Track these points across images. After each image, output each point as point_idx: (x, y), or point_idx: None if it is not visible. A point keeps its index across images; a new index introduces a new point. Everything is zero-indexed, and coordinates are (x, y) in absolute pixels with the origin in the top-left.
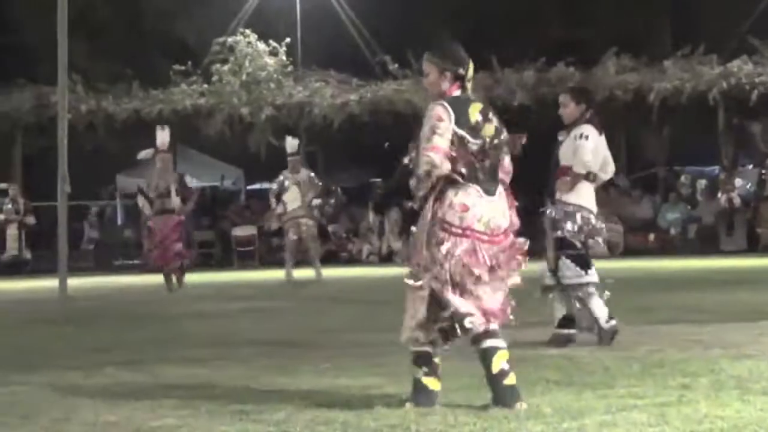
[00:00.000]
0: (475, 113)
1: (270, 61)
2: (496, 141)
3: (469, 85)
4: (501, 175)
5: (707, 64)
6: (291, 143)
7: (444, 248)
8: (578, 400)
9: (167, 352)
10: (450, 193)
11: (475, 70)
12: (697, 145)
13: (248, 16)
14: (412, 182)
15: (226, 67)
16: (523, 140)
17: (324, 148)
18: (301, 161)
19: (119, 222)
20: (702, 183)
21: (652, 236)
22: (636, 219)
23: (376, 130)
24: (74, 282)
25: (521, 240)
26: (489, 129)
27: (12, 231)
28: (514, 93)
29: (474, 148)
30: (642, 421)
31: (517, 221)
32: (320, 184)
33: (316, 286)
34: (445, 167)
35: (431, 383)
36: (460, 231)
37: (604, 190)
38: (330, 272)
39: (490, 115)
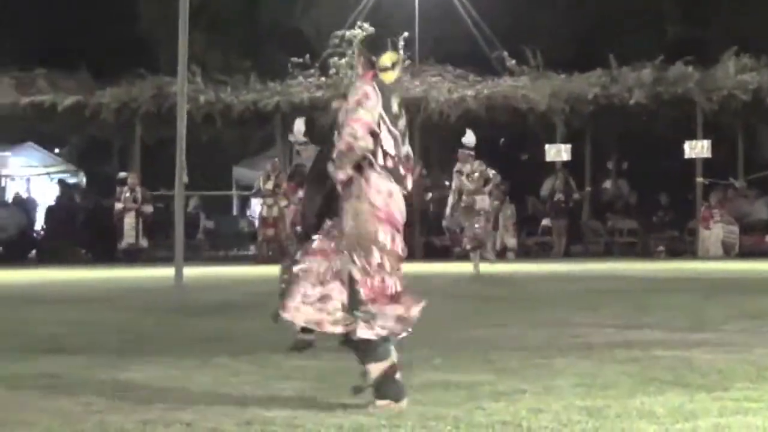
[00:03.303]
0: (395, 104)
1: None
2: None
3: (387, 75)
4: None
5: None
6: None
7: (374, 231)
8: (692, 402)
9: (279, 343)
10: (374, 176)
11: (592, 67)
12: None
13: (367, 10)
14: (330, 166)
15: (343, 61)
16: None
17: (439, 143)
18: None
19: (234, 212)
20: None
21: None
22: (752, 220)
23: (492, 125)
24: (189, 271)
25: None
26: (402, 123)
27: (130, 219)
28: (631, 91)
29: (393, 135)
30: (757, 424)
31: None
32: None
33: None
34: (368, 141)
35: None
36: (384, 216)
37: (722, 191)
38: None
39: (403, 111)
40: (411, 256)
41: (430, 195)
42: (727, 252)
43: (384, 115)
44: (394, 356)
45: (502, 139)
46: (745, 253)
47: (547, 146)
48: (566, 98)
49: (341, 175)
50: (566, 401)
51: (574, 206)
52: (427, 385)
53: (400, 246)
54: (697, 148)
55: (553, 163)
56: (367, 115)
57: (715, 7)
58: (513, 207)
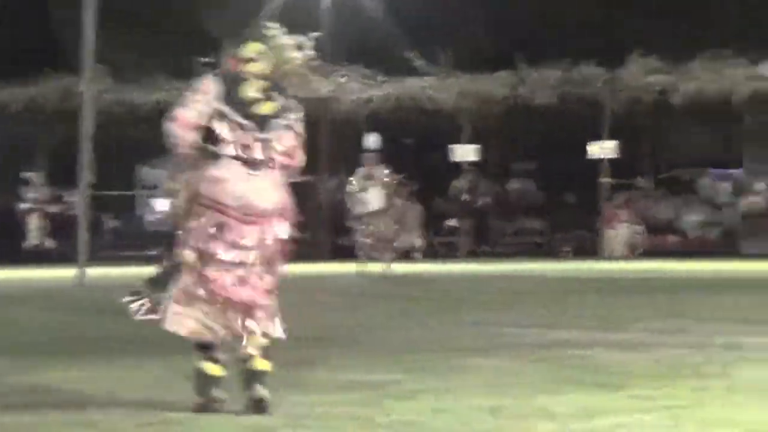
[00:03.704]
0: (249, 90)
1: (296, 55)
2: (279, 120)
3: (251, 66)
4: (280, 158)
5: (734, 66)
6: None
7: (195, 222)
8: (593, 401)
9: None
10: (206, 166)
11: (502, 68)
12: (721, 147)
13: (276, 10)
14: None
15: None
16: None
17: (347, 143)
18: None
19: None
20: (725, 185)
21: (672, 237)
22: (657, 220)
23: (400, 126)
24: (93, 271)
25: (284, 231)
26: (266, 107)
27: (35, 219)
28: (539, 92)
29: (238, 123)
30: (655, 423)
31: (288, 210)
32: None
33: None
34: (188, 137)
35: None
36: (211, 204)
37: (628, 192)
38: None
39: (276, 94)
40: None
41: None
42: (632, 252)
43: (221, 106)
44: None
45: (410, 140)
46: (649, 253)
47: (454, 147)
48: (474, 99)
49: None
50: (470, 401)
51: (481, 206)
52: (332, 385)
53: (237, 235)
54: (604, 149)
55: (460, 164)
56: (185, 112)
57: (623, 8)
58: (420, 207)
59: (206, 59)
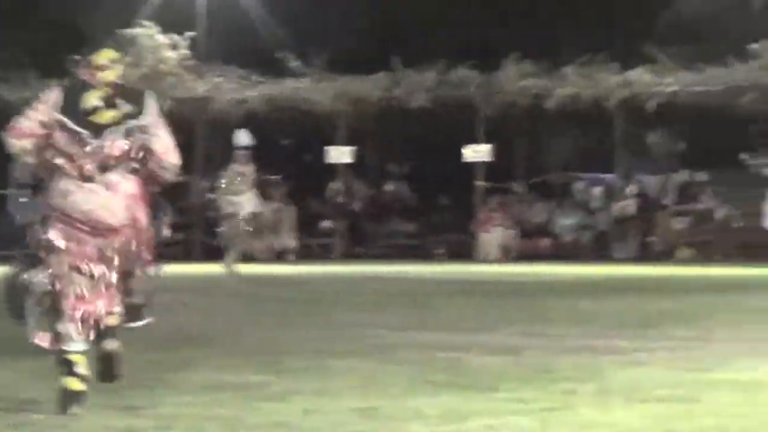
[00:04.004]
0: (91, 99)
1: (171, 54)
2: (121, 127)
3: (104, 73)
4: (136, 164)
5: (607, 72)
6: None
7: (48, 234)
8: (463, 403)
9: None
10: (56, 179)
11: (377, 70)
12: (594, 152)
13: (152, 10)
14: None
15: (126, 60)
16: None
17: (222, 143)
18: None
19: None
20: (597, 190)
21: (545, 241)
22: (530, 224)
23: (276, 127)
24: None
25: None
26: (107, 116)
27: None
28: (414, 94)
29: (77, 134)
30: (525, 425)
31: (142, 221)
32: None
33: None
34: (24, 147)
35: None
36: (61, 217)
37: (502, 195)
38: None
39: (122, 102)
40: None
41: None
42: (506, 255)
43: (59, 116)
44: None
45: (286, 141)
46: (523, 257)
47: (329, 148)
48: (349, 100)
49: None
50: (341, 402)
51: (355, 208)
52: (204, 386)
53: (90, 244)
54: (478, 152)
55: (335, 165)
56: (23, 122)
57: (500, 12)
58: (294, 208)
59: (78, 57)
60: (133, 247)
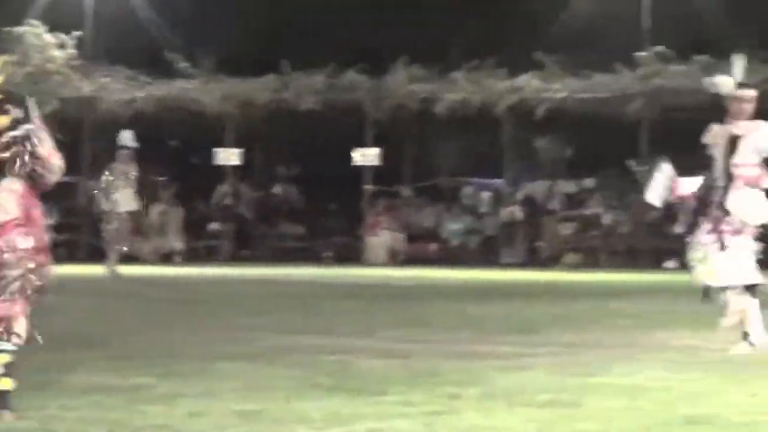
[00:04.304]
0: None
1: (58, 53)
2: (15, 133)
3: None
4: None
5: (496, 78)
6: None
7: None
8: (348, 406)
9: None
10: None
11: (265, 73)
12: (482, 157)
13: (40, 8)
14: None
15: (11, 58)
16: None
17: (109, 144)
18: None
19: None
20: (486, 195)
21: (433, 245)
22: (418, 228)
23: (164, 128)
24: None
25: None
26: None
27: None
28: (303, 97)
29: None
30: (410, 429)
31: (34, 219)
32: None
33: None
34: None
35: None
36: None
37: (390, 199)
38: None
39: (7, 107)
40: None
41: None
42: (393, 259)
43: None
44: None
45: (173, 142)
46: (410, 261)
47: (217, 150)
48: (238, 102)
49: None
50: (225, 405)
51: (243, 210)
52: (88, 388)
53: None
54: (366, 156)
55: (223, 167)
56: None
57: (389, 17)
58: (181, 210)
59: None
60: (21, 247)
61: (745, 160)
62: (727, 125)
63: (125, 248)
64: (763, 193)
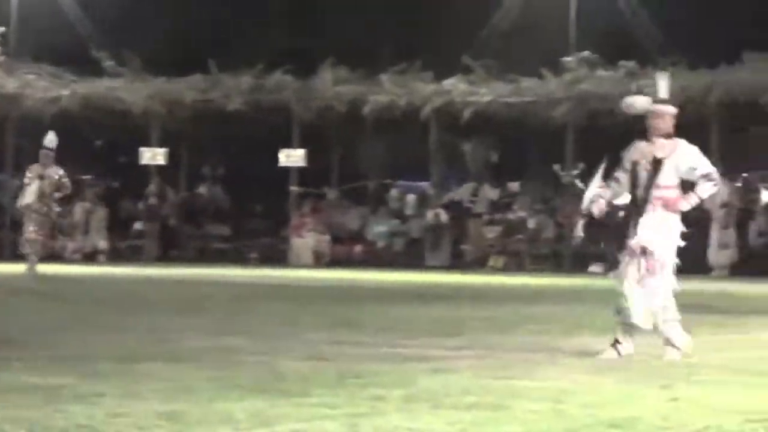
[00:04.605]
0: None
1: None
2: None
3: None
4: None
5: (422, 81)
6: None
7: None
8: (272, 407)
9: None
10: None
11: (194, 72)
12: (409, 159)
13: None
14: None
15: None
16: None
17: (33, 142)
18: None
19: None
20: (411, 197)
21: (358, 247)
22: (344, 230)
23: (90, 126)
24: None
25: None
26: None
27: None
28: (230, 97)
29: None
30: (333, 430)
31: None
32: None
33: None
34: None
35: None
36: None
37: (316, 201)
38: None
39: None
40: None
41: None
42: (318, 260)
43: None
44: None
45: (99, 142)
46: (336, 262)
47: (142, 150)
48: (164, 101)
49: None
50: (147, 405)
51: (168, 210)
52: (8, 388)
53: None
54: (293, 157)
55: (149, 167)
56: None
57: (317, 19)
58: (106, 209)
59: None
60: None
61: (666, 182)
62: (649, 143)
63: (46, 247)
64: (678, 218)
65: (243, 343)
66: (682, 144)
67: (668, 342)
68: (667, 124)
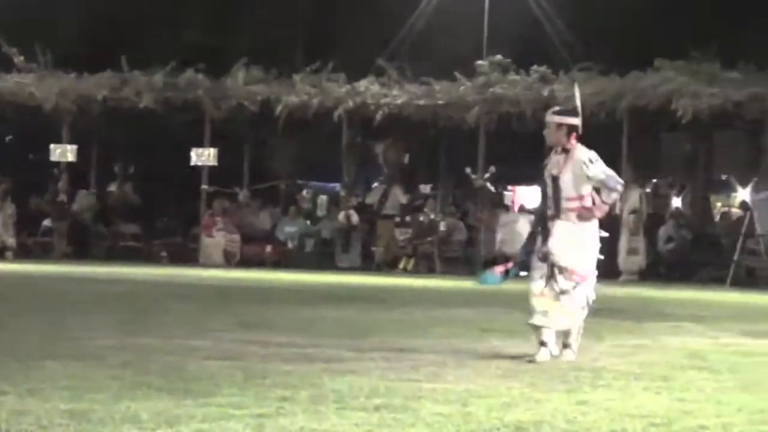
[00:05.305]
0: None
1: None
2: None
3: None
4: None
5: (335, 82)
6: None
7: None
8: (178, 407)
9: None
10: None
11: (104, 68)
12: (321, 160)
13: None
14: None
15: None
16: None
17: None
18: None
19: None
20: (323, 198)
21: (269, 248)
22: (254, 230)
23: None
24: None
25: None
26: None
27: None
28: (141, 95)
29: None
30: (239, 431)
31: None
32: None
33: None
34: None
35: None
36: None
37: (226, 200)
38: None
39: None
40: None
41: None
42: (229, 260)
43: None
44: None
45: (9, 137)
46: (246, 263)
47: (52, 146)
48: (74, 98)
49: None
50: (50, 404)
51: (78, 208)
52: None
53: None
54: (204, 156)
55: (59, 163)
56: None
57: (229, 17)
58: (14, 206)
59: None
60: None
61: (569, 194)
62: (556, 154)
63: None
64: (595, 226)
65: (150, 342)
66: (577, 153)
67: (565, 345)
68: (558, 135)
